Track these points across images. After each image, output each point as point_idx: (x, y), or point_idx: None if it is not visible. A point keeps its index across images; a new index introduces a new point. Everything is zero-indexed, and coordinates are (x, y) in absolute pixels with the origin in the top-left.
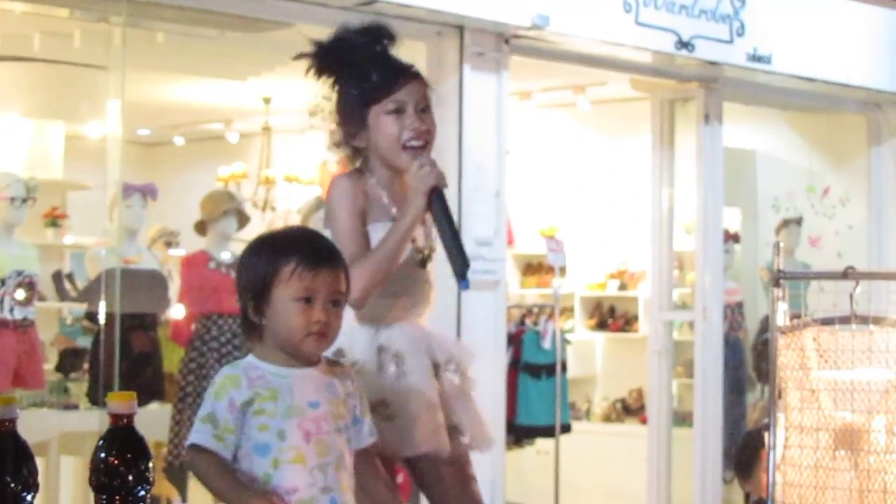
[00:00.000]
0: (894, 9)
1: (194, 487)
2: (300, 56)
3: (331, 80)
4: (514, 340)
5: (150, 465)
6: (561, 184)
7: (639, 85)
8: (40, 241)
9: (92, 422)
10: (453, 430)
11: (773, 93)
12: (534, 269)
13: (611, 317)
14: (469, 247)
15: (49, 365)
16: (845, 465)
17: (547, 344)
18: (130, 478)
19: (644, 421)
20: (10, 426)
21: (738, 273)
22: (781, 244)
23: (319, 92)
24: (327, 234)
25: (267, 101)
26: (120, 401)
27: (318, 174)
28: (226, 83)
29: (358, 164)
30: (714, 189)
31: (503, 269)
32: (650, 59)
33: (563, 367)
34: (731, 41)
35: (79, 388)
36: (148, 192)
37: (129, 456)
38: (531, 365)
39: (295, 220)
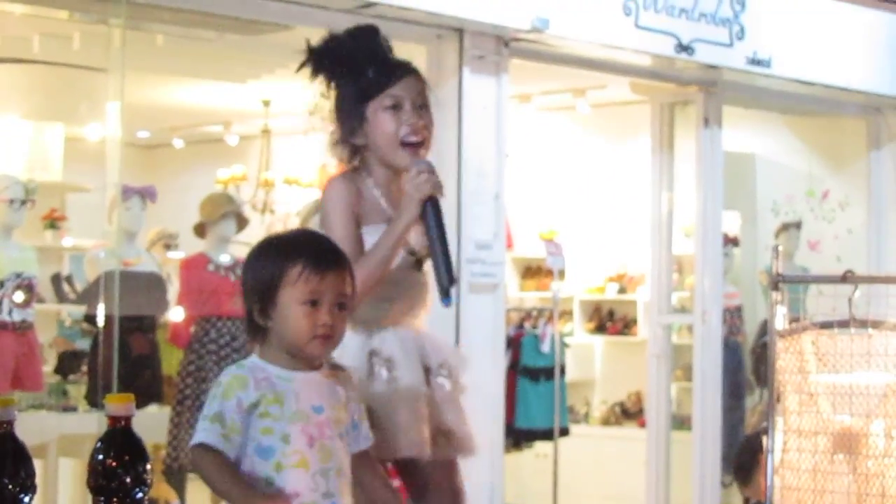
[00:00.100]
0: (894, 13)
1: (193, 490)
2: (300, 67)
3: (327, 80)
4: (513, 343)
5: (148, 466)
6: (560, 187)
7: (638, 88)
8: (39, 244)
9: (91, 424)
10: (444, 435)
11: (773, 96)
12: (533, 272)
13: (610, 320)
14: (468, 250)
15: (48, 367)
16: (844, 468)
17: (546, 347)
18: (128, 480)
19: (643, 424)
20: (8, 428)
21: (737, 277)
22: (780, 248)
23: (318, 92)
24: None
25: (266, 103)
26: (118, 403)
27: (318, 177)
28: (225, 85)
29: (356, 163)
30: (713, 193)
31: (502, 273)
32: (650, 62)
33: (562, 371)
34: (730, 45)
35: (77, 390)
36: (147, 195)
37: (126, 458)
38: (530, 368)
39: (294, 223)
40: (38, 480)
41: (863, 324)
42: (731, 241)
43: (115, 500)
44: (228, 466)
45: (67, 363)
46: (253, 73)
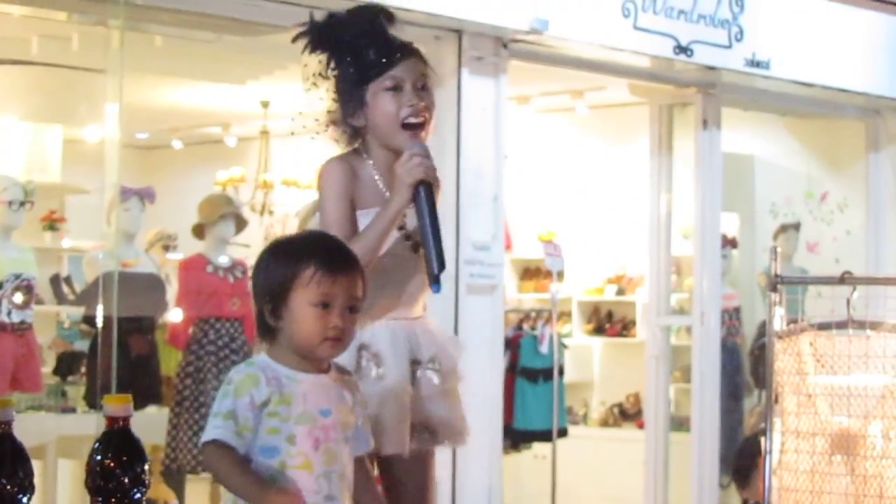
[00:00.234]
0: (893, 14)
1: (191, 491)
2: (297, 36)
3: (326, 59)
4: (512, 345)
5: (146, 467)
6: (559, 188)
7: (637, 90)
8: (38, 245)
9: (89, 425)
10: (426, 429)
11: (772, 98)
12: (531, 273)
13: (608, 321)
14: (467, 251)
15: (47, 368)
16: (842, 469)
17: (544, 348)
18: (126, 480)
19: (641, 426)
20: (6, 429)
21: (735, 278)
22: (779, 249)
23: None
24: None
25: (265, 104)
26: (115, 403)
27: (317, 175)
28: (224, 87)
29: (357, 145)
30: (712, 194)
31: (501, 274)
32: (648, 63)
33: (561, 372)
34: (729, 46)
35: (76, 391)
36: (146, 196)
37: (124, 458)
38: (528, 369)
39: (293, 224)
40: (37, 481)
41: (861, 325)
42: (729, 243)
43: (113, 500)
44: (241, 463)
45: (66, 364)
46: (252, 75)
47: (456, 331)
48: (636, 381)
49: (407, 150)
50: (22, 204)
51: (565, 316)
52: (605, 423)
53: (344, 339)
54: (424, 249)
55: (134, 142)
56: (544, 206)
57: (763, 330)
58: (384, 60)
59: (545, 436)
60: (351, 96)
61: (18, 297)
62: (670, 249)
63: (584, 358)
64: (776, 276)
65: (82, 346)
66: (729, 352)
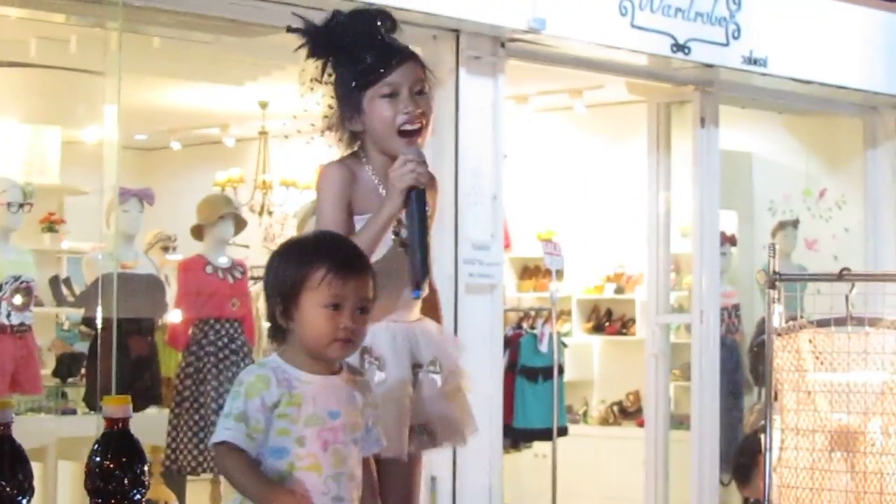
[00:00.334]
0: (890, 11)
1: (192, 492)
2: (292, 30)
3: (322, 62)
4: (511, 344)
5: (146, 468)
6: (558, 187)
7: (635, 88)
8: (37, 247)
9: (89, 427)
10: (420, 431)
11: (770, 96)
12: (531, 272)
13: (608, 320)
14: (466, 251)
15: (46, 370)
16: (841, 466)
17: (544, 347)
18: (126, 481)
19: (641, 424)
20: (5, 430)
21: (734, 276)
22: (777, 247)
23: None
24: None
25: (263, 105)
26: (115, 405)
27: (316, 178)
28: (222, 88)
29: (356, 148)
30: (710, 192)
31: (500, 273)
32: (646, 62)
33: (560, 371)
34: (726, 44)
35: (76, 393)
36: (144, 197)
37: (124, 459)
38: (528, 368)
39: (292, 225)
40: (38, 483)
41: (860, 322)
42: (728, 241)
43: (112, 501)
44: (252, 465)
45: (66, 366)
46: (250, 76)
47: (455, 330)
48: (636, 379)
49: (401, 156)
50: (21, 206)
51: (565, 315)
52: (604, 422)
53: (354, 340)
54: (410, 255)
55: (133, 143)
56: (543, 205)
57: (762, 327)
58: (380, 66)
59: (545, 434)
60: (348, 101)
61: (18, 299)
62: (669, 247)
63: (584, 356)
64: (775, 273)
65: (82, 347)
66: (728, 349)
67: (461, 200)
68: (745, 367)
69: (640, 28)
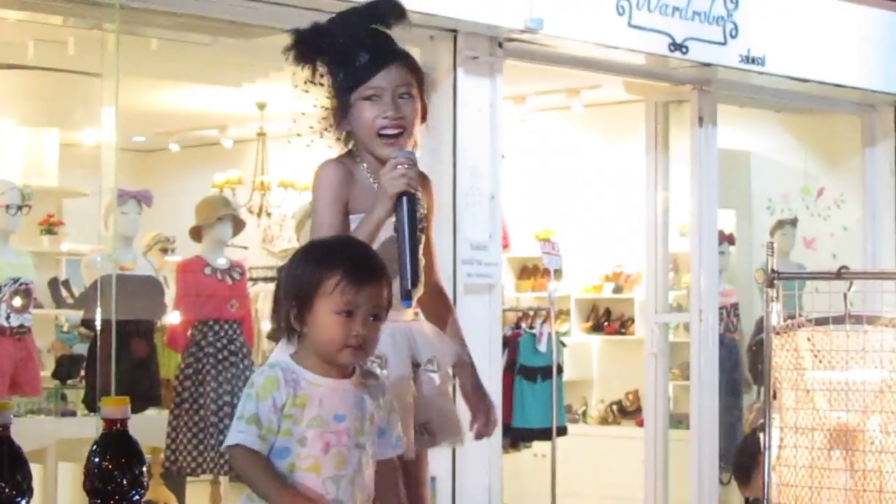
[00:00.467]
0: (888, 10)
1: (192, 493)
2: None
3: (311, 68)
4: (510, 344)
5: (145, 469)
6: (556, 187)
7: (633, 87)
8: (36, 249)
9: (89, 428)
10: (420, 430)
11: (767, 94)
12: (529, 272)
13: (606, 319)
14: (464, 250)
15: (46, 372)
16: (840, 465)
17: (542, 347)
18: (124, 482)
19: (640, 423)
20: (4, 432)
21: (733, 275)
22: (775, 245)
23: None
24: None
25: (261, 106)
26: (113, 406)
27: (312, 180)
28: (220, 89)
29: (351, 147)
30: (708, 191)
31: (498, 273)
32: (644, 61)
33: (559, 370)
34: (724, 43)
35: (76, 394)
36: (143, 199)
37: (123, 460)
38: (527, 368)
39: (290, 226)
40: (38, 485)
41: (858, 320)
42: (726, 239)
43: (111, 502)
44: (267, 467)
45: (65, 368)
46: (248, 77)
47: None
48: (635, 378)
49: (391, 159)
50: (19, 208)
51: (563, 314)
52: (604, 421)
53: (366, 347)
54: (399, 262)
55: (131, 145)
56: (541, 205)
57: (761, 326)
58: (365, 68)
59: (544, 434)
60: (339, 102)
61: (17, 301)
62: (667, 246)
63: (583, 356)
64: (773, 271)
65: (81, 349)
66: (727, 348)
67: (459, 200)
68: (744, 366)
69: (637, 27)
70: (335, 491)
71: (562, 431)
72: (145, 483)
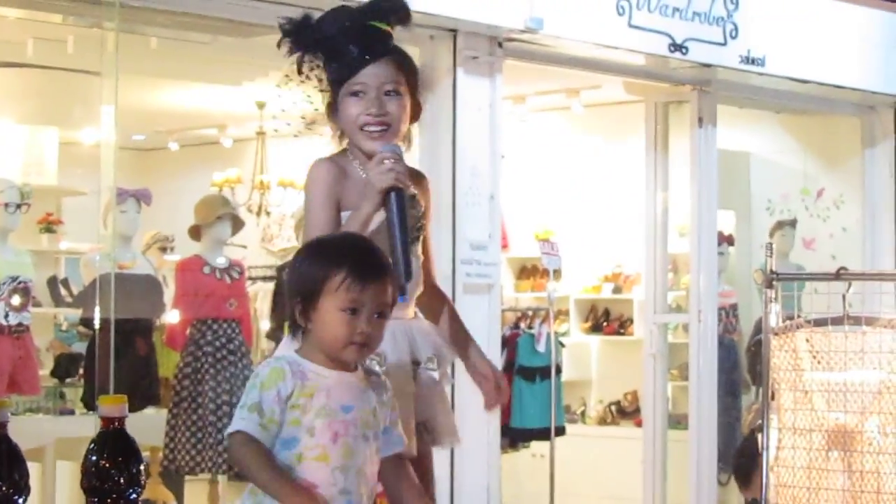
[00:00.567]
0: (888, 11)
1: (190, 492)
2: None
3: (298, 57)
4: (509, 344)
5: (142, 467)
6: (555, 187)
7: (632, 88)
8: (35, 247)
9: (88, 427)
10: (420, 428)
11: (767, 95)
12: (528, 272)
13: (605, 320)
14: (463, 250)
15: (44, 370)
16: (838, 465)
17: (541, 347)
18: (122, 480)
19: (639, 424)
20: (1, 430)
21: (732, 275)
22: (774, 246)
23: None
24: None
25: (261, 105)
26: (110, 404)
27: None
28: (220, 88)
29: (345, 144)
30: (708, 192)
31: (497, 273)
32: (643, 61)
33: (558, 370)
34: (724, 44)
35: (74, 393)
36: (142, 198)
37: (120, 459)
38: (526, 368)
39: (289, 225)
40: (36, 483)
41: (857, 321)
42: (726, 240)
43: (108, 501)
44: (265, 456)
45: (64, 366)
46: (247, 76)
47: None
48: (634, 379)
49: (378, 154)
50: (18, 206)
51: (562, 314)
52: (602, 422)
53: (370, 344)
54: (391, 257)
55: (130, 144)
56: (541, 205)
57: (760, 327)
58: (352, 64)
59: (543, 434)
60: (332, 97)
61: (16, 300)
62: (667, 247)
63: (582, 356)
64: (772, 272)
65: (80, 348)
66: (726, 349)
67: (459, 200)
68: (743, 367)
69: (637, 28)
70: (343, 481)
71: (560, 431)
72: (142, 482)
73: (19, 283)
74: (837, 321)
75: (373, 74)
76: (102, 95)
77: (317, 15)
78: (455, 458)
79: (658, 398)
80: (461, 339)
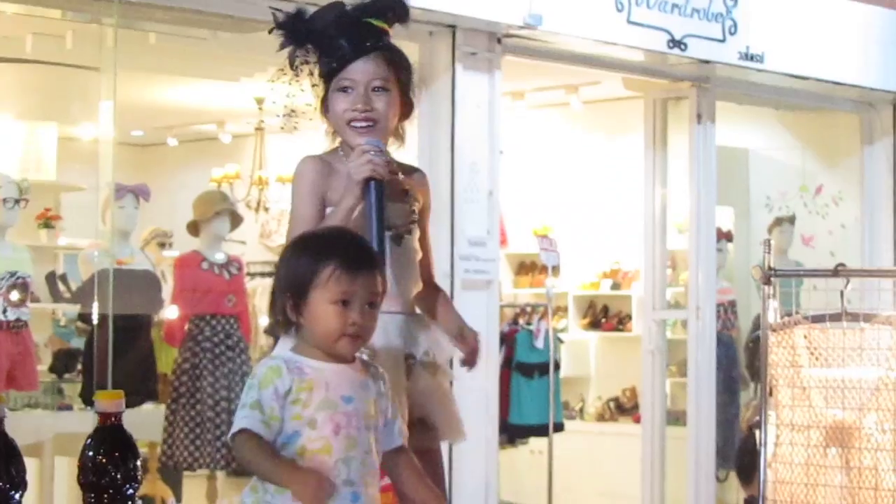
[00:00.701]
0: (887, 7)
1: (188, 487)
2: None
3: (291, 56)
4: (507, 340)
5: (138, 463)
6: (554, 183)
7: (631, 84)
8: (34, 243)
9: (86, 422)
10: (421, 425)
11: (766, 92)
12: (527, 268)
13: (604, 316)
14: (462, 246)
15: (43, 366)
16: (836, 462)
17: (540, 343)
18: (119, 476)
19: (638, 420)
20: None
21: (731, 272)
22: (772, 242)
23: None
24: None
25: (259, 101)
26: (107, 399)
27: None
28: (218, 84)
29: (339, 141)
30: (707, 188)
31: (496, 269)
32: (642, 58)
33: (557, 367)
34: (723, 40)
35: (73, 389)
36: (140, 193)
37: (117, 454)
38: (524, 364)
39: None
40: (35, 479)
41: (855, 318)
42: (724, 237)
43: (105, 496)
44: (269, 448)
45: (62, 362)
46: (246, 72)
47: None
48: (632, 375)
49: (358, 147)
50: (17, 202)
51: (561, 311)
52: (601, 418)
53: (363, 335)
54: None
55: (129, 139)
56: (539, 202)
57: (758, 323)
58: (340, 60)
59: (541, 431)
60: (323, 92)
61: (14, 296)
62: (665, 244)
63: (580, 353)
64: (770, 269)
65: (78, 343)
66: (724, 345)
67: (457, 196)
68: (742, 363)
69: (636, 24)
70: (346, 472)
71: (559, 428)
72: (139, 477)
73: (18, 278)
74: (836, 318)
75: (361, 70)
76: (101, 91)
77: (312, 10)
78: (453, 455)
79: (656, 395)
80: (451, 318)
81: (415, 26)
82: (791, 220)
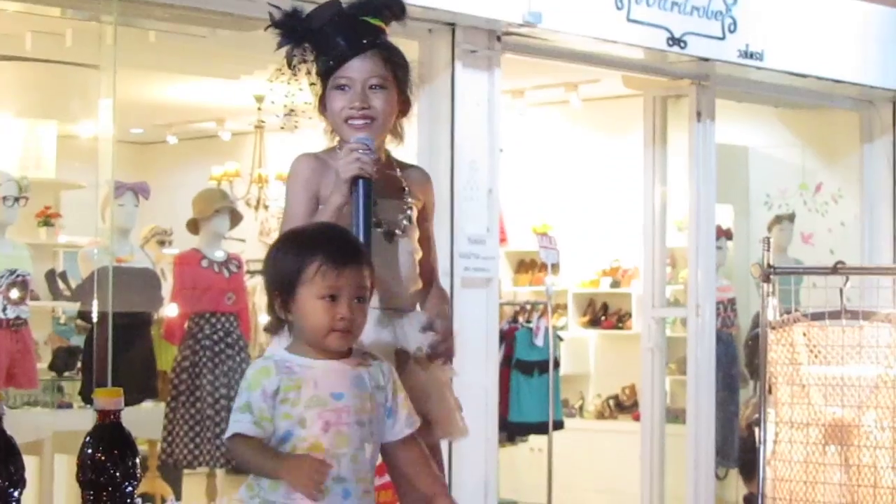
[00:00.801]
0: (886, 5)
1: (188, 485)
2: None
3: (288, 55)
4: (507, 338)
5: (137, 461)
6: (554, 181)
7: (631, 82)
8: (33, 241)
9: (86, 420)
10: (424, 423)
11: (766, 89)
12: (526, 266)
13: (604, 314)
14: (461, 244)
15: (42, 364)
16: (836, 459)
17: (539, 341)
18: (118, 474)
19: (637, 418)
20: None
21: (730, 270)
22: (771, 240)
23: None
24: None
25: (259, 99)
26: (106, 397)
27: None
28: (218, 82)
29: (337, 139)
30: (706, 186)
31: (496, 267)
32: (642, 55)
33: (556, 364)
34: (723, 38)
35: (72, 387)
36: (140, 191)
37: (116, 452)
38: (523, 362)
39: None
40: (34, 477)
41: (854, 315)
42: (724, 234)
43: (104, 494)
44: (259, 444)
45: (62, 360)
46: (245, 70)
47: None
48: (632, 373)
49: (346, 145)
50: (16, 200)
51: (560, 309)
52: (600, 416)
53: (353, 329)
54: None
55: (128, 137)
56: (539, 199)
57: (757, 321)
58: (337, 57)
59: (541, 428)
60: (321, 90)
61: (14, 293)
62: (665, 241)
63: (580, 350)
64: (769, 266)
65: (78, 341)
66: (724, 343)
67: (457, 194)
68: (741, 361)
69: (636, 22)
70: (337, 468)
71: (558, 426)
72: (138, 475)
73: (17, 276)
74: (835, 315)
75: (358, 68)
76: (101, 89)
77: (310, 8)
78: (453, 452)
79: (656, 392)
80: (431, 310)
81: (414, 24)
82: (791, 217)
